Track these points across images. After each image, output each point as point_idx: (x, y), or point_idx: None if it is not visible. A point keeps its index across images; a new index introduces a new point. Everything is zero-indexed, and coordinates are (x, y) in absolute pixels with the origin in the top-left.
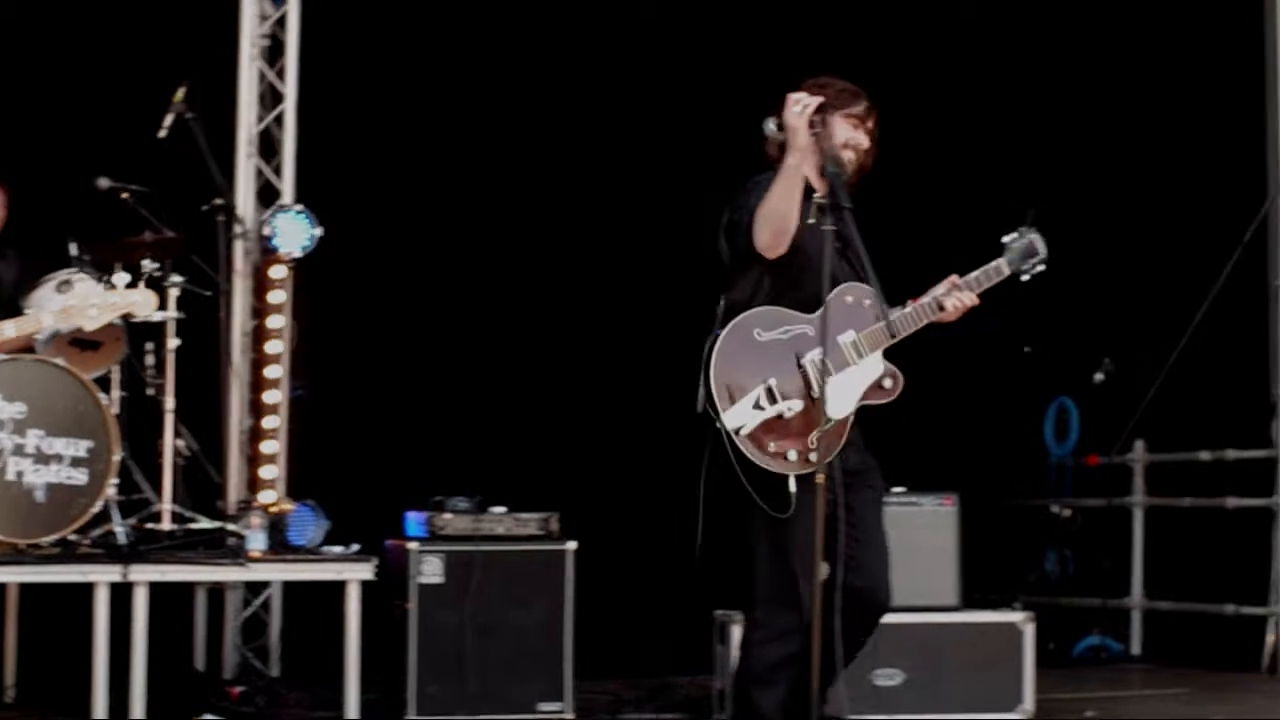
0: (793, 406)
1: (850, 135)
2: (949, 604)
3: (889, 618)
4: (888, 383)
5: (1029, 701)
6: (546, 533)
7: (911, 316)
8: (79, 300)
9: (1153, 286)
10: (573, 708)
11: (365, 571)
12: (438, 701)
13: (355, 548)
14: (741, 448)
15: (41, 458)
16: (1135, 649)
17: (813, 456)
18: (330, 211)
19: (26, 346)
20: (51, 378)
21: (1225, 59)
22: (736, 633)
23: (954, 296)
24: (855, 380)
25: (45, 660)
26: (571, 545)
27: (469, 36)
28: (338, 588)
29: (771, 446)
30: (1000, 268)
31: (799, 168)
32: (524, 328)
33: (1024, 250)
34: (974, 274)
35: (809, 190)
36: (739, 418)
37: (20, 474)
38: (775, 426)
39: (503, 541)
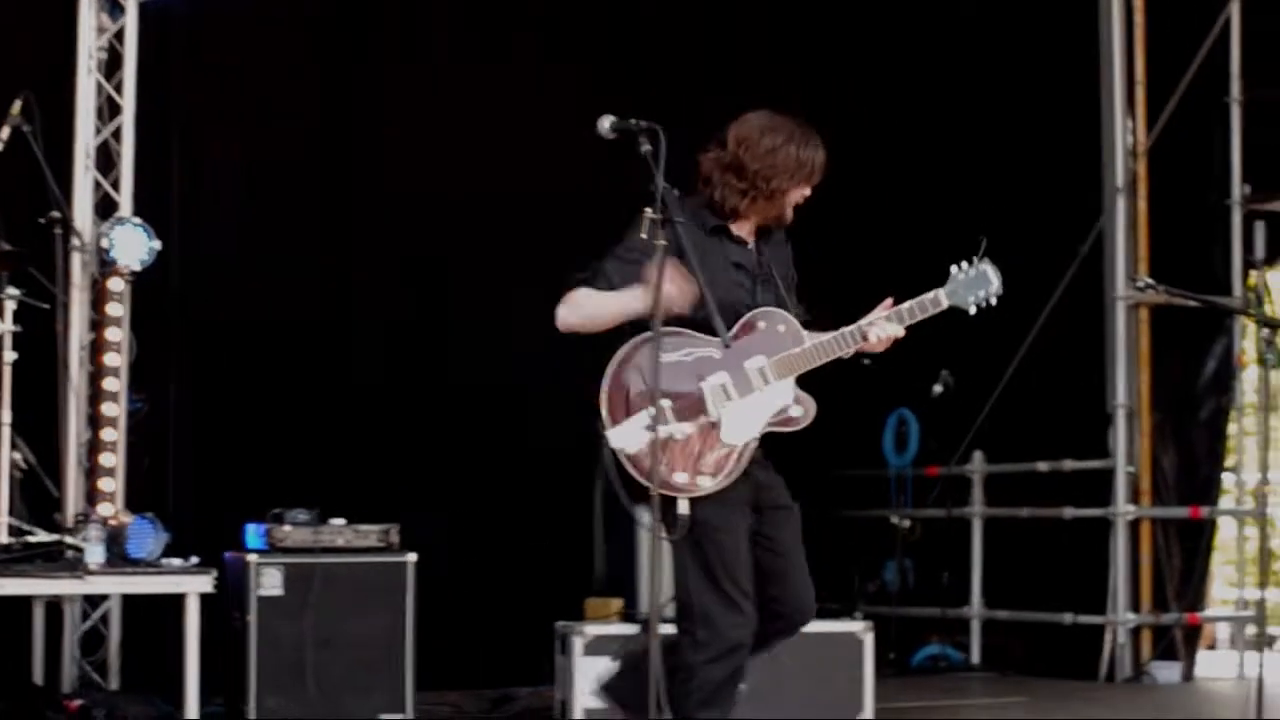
0: (684, 430)
1: (800, 195)
2: None
3: None
4: (796, 411)
5: (869, 710)
6: (386, 544)
7: (830, 345)
8: None
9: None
10: (414, 719)
11: (204, 584)
12: (279, 713)
13: (194, 560)
14: (627, 467)
15: None
16: (975, 658)
17: (702, 480)
18: (168, 224)
19: None
20: None
21: (1063, 76)
22: (578, 643)
23: (878, 327)
24: (759, 407)
25: None
26: (411, 557)
27: (310, 47)
28: (177, 600)
29: (660, 469)
30: (938, 299)
31: (634, 306)
32: (364, 340)
33: (971, 282)
34: (908, 304)
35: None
36: (625, 437)
37: None
38: (665, 448)
39: (342, 553)
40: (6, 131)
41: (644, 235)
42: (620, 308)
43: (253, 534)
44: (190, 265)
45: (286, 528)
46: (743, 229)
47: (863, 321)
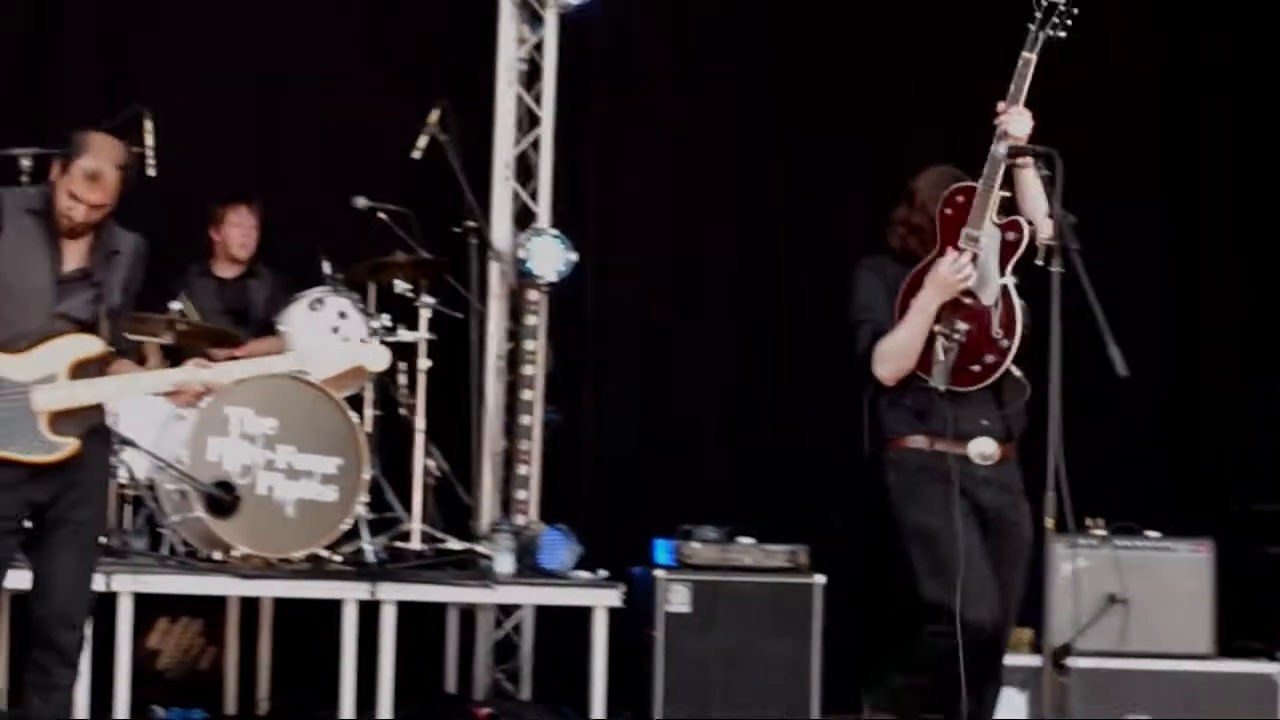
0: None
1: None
2: (1203, 652)
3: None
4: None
5: None
6: (795, 565)
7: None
8: (313, 347)
9: None
10: None
11: (613, 598)
12: None
13: (603, 574)
14: None
15: (292, 473)
16: None
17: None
18: (585, 236)
19: None
20: (302, 394)
21: None
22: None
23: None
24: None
25: (298, 674)
26: (820, 579)
27: (729, 56)
28: (587, 613)
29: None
30: (1026, 60)
31: (933, 307)
32: (774, 357)
33: (1041, 22)
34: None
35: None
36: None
37: (271, 489)
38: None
39: (750, 573)
40: (424, 140)
41: (1039, 262)
42: (920, 324)
43: (662, 550)
44: (605, 278)
45: (695, 545)
46: None
47: None
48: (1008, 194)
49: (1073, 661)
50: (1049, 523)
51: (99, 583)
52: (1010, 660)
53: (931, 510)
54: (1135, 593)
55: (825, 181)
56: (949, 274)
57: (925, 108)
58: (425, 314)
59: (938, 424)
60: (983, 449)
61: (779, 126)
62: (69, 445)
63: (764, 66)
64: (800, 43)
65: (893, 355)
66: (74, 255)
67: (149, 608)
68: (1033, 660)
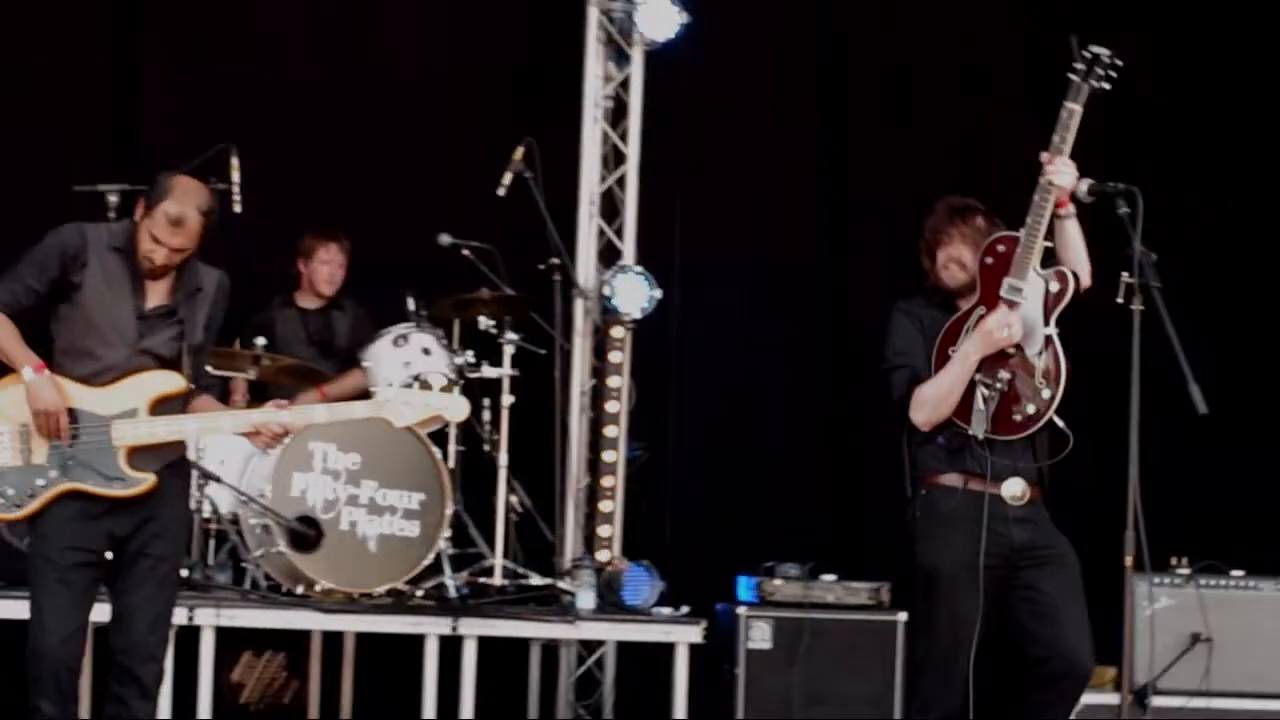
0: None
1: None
2: None
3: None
4: (1053, 285)
5: None
6: (877, 603)
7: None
8: (393, 396)
9: None
10: None
11: (694, 634)
12: None
13: (685, 610)
14: None
15: (375, 508)
16: None
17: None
18: (670, 273)
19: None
20: (386, 430)
21: None
22: None
23: (1043, 180)
24: (1031, 306)
25: (380, 708)
26: (902, 616)
27: (812, 91)
28: (669, 648)
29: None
30: (1070, 111)
31: (975, 358)
32: (859, 393)
33: (1084, 73)
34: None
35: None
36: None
37: (354, 524)
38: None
39: (832, 610)
40: (509, 177)
41: (1120, 300)
42: (961, 374)
43: (744, 586)
44: (689, 314)
45: (777, 581)
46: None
47: None
48: (1049, 244)
49: (1155, 700)
50: (1128, 561)
51: (182, 617)
52: (1091, 698)
53: (953, 556)
54: (1220, 632)
55: (913, 214)
56: (996, 330)
57: (1012, 138)
58: (509, 350)
59: (974, 465)
60: (1014, 490)
61: (864, 161)
62: (147, 480)
63: (848, 101)
64: (884, 75)
65: (932, 402)
66: (157, 292)
67: (232, 642)
68: (1114, 699)
